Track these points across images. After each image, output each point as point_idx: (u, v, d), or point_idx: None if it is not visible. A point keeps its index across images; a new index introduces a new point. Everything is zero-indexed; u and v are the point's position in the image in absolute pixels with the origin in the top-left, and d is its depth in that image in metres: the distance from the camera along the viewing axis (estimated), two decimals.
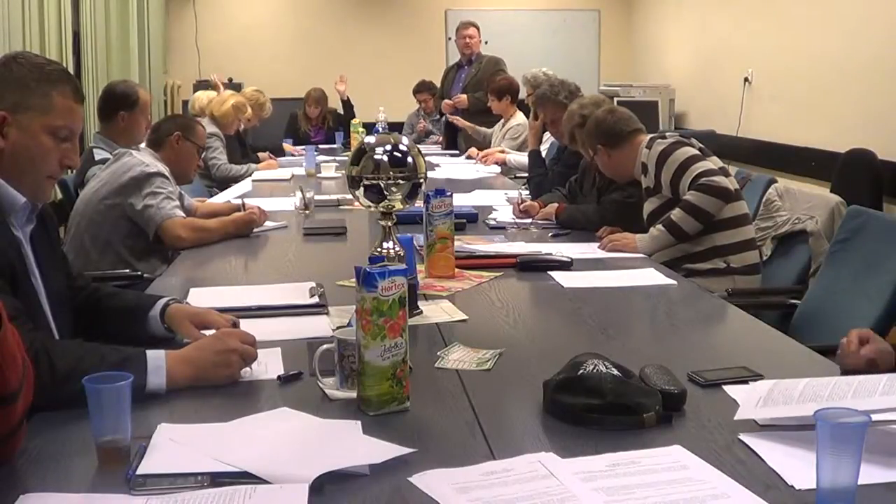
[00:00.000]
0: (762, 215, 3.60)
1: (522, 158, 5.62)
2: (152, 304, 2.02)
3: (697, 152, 3.18)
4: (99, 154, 3.87)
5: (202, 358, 1.73)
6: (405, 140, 2.10)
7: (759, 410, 1.52)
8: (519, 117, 6.14)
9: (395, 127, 7.36)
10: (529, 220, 3.63)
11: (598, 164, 3.45)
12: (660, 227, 3.09)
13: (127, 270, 3.33)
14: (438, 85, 7.48)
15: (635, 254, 3.06)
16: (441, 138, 7.47)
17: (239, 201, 3.89)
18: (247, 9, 9.24)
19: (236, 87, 7.52)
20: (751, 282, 3.14)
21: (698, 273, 3.04)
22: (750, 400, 1.57)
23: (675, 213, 3.06)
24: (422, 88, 7.84)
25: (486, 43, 7.42)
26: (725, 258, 3.11)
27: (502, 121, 6.34)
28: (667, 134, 3.35)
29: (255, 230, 3.48)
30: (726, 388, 1.70)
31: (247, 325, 2.01)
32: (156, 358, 1.68)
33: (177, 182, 3.52)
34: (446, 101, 7.08)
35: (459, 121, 6.79)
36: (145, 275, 3.25)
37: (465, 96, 6.84)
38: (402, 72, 8.71)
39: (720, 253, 3.11)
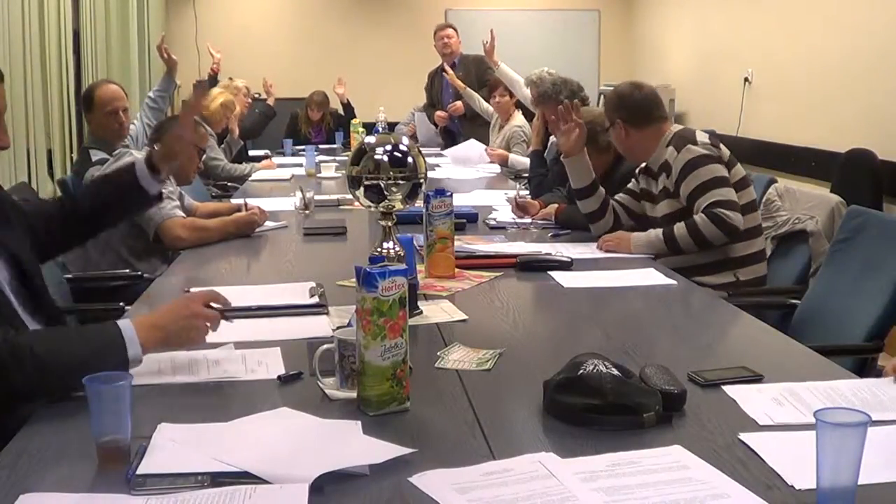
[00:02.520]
0: (762, 215, 3.59)
1: (524, 158, 5.61)
2: (132, 165, 2.13)
3: (725, 174, 3.06)
4: (95, 154, 3.90)
5: (169, 322, 1.74)
6: (405, 140, 2.10)
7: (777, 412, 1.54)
8: (518, 118, 6.11)
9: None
10: (529, 220, 3.63)
11: (613, 138, 3.30)
12: (659, 234, 3.05)
13: (127, 270, 3.34)
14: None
15: (629, 254, 3.04)
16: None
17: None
18: (247, 9, 9.23)
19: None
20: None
21: (707, 286, 2.98)
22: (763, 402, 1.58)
23: (678, 228, 3.00)
24: None
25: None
26: (735, 271, 3.07)
27: (500, 120, 6.30)
28: (697, 134, 3.19)
29: (256, 230, 3.48)
30: (726, 388, 1.70)
31: (247, 325, 2.01)
32: (126, 328, 1.68)
33: (177, 182, 3.52)
34: (439, 112, 7.04)
35: (458, 83, 6.58)
36: (145, 275, 3.25)
37: (459, 104, 6.81)
38: (403, 72, 8.70)
39: (731, 266, 3.07)
